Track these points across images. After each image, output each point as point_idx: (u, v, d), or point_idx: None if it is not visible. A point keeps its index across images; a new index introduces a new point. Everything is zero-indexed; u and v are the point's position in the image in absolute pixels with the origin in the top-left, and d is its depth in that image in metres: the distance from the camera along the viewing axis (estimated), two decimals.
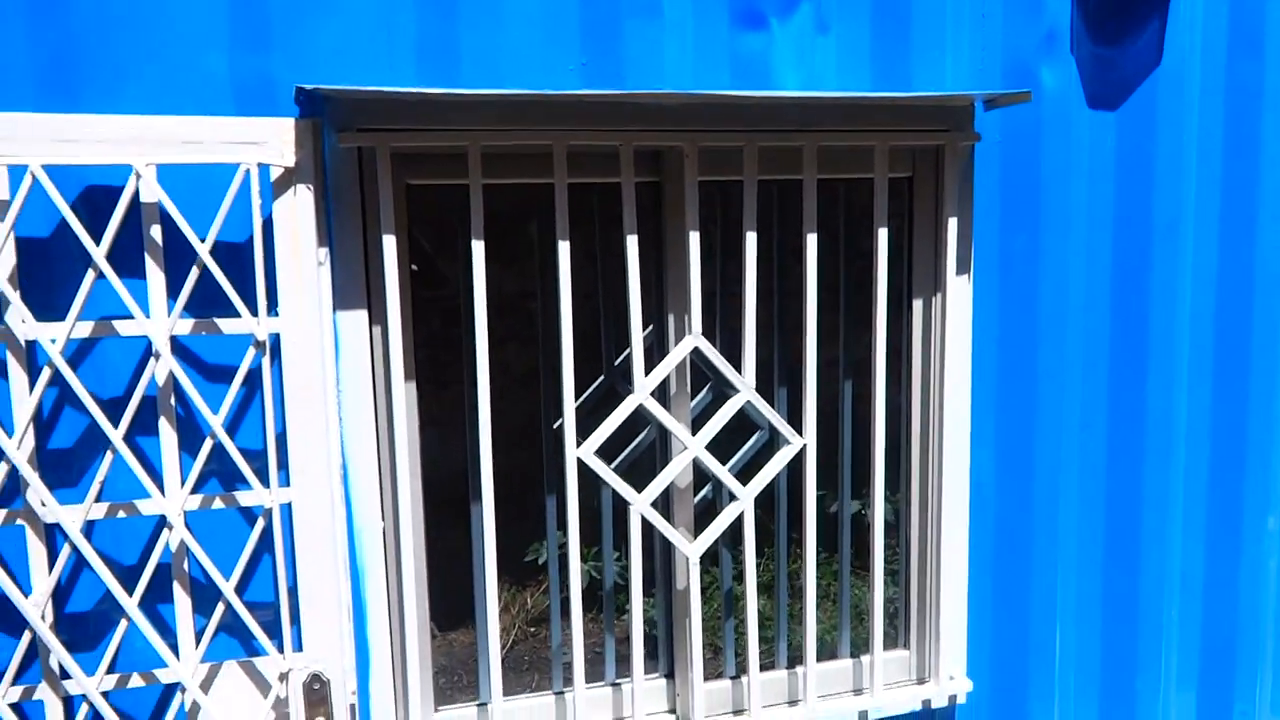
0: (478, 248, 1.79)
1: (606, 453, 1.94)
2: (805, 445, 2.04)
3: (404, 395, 1.80)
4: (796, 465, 2.07)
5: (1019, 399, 2.25)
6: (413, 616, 1.87)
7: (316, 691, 1.77)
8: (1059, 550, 2.33)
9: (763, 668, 2.14)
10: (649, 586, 2.14)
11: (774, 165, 1.99)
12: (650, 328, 2.06)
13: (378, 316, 1.81)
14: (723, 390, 2.14)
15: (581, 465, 1.90)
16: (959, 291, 2.14)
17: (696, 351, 1.98)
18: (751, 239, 1.96)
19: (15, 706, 1.68)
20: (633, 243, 1.88)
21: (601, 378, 2.13)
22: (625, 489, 1.94)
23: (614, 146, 1.86)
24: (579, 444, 1.89)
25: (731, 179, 1.97)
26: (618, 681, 2.14)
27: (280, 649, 1.74)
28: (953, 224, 2.09)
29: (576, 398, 1.89)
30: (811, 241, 1.99)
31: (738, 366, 1.99)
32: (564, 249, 1.83)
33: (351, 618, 1.79)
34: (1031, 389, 2.25)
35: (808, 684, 2.11)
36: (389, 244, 1.74)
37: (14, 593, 1.61)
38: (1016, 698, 2.35)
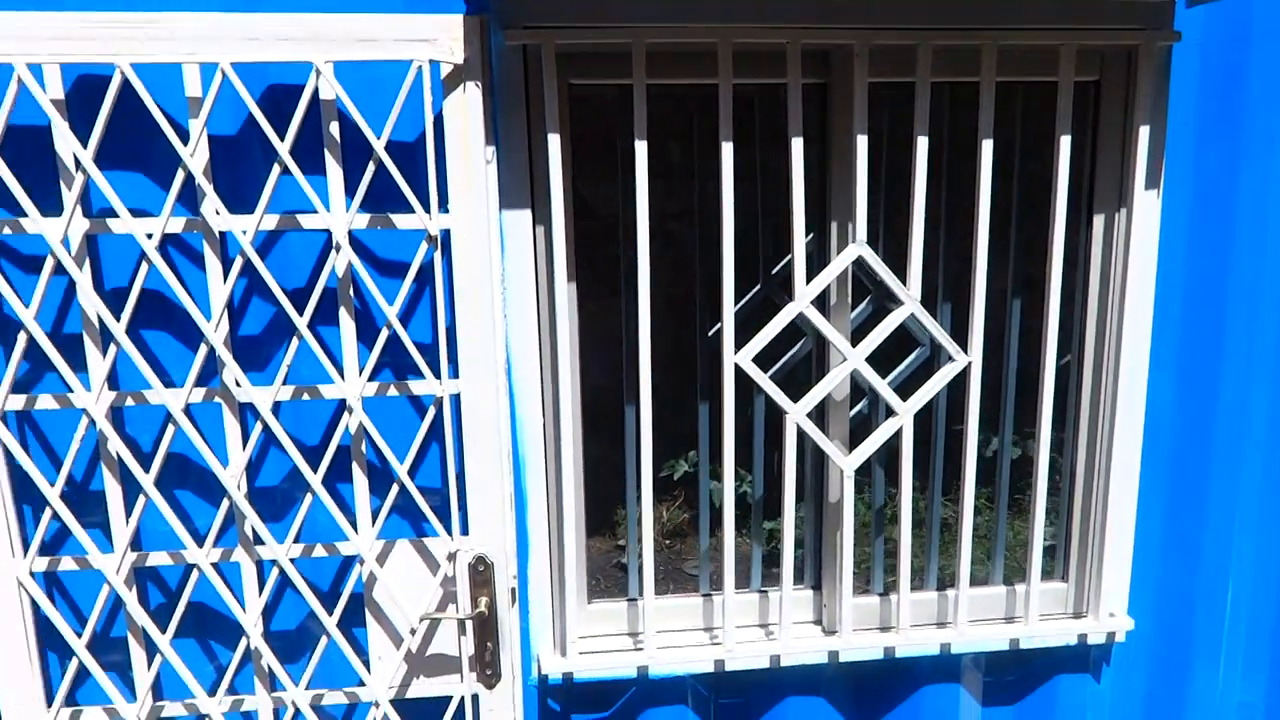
0: (641, 148, 1.79)
1: (760, 366, 1.93)
2: (970, 363, 1.97)
3: (566, 295, 1.84)
4: (957, 386, 2.01)
5: (1205, 327, 2.08)
6: (571, 508, 1.93)
7: (480, 573, 1.86)
8: (1240, 494, 2.17)
9: (911, 588, 2.12)
10: (797, 500, 2.13)
11: (948, 67, 1.90)
12: (811, 235, 2.02)
13: (541, 217, 1.84)
14: (884, 303, 2.08)
15: (736, 375, 1.90)
16: (1146, 208, 2.00)
17: (859, 262, 1.93)
18: (923, 144, 1.88)
19: (215, 566, 1.84)
20: (798, 145, 1.83)
21: (757, 288, 2.11)
22: (782, 398, 1.93)
23: (780, 45, 1.81)
24: (736, 351, 1.89)
25: (902, 80, 1.88)
26: (764, 589, 2.17)
27: (449, 531, 1.84)
28: (1143, 133, 1.94)
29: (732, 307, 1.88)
30: (987, 149, 1.89)
31: (902, 278, 1.93)
32: (727, 151, 1.80)
33: (513, 507, 1.86)
34: (1219, 316, 2.08)
35: (959, 606, 2.08)
36: (553, 143, 1.76)
37: (215, 465, 1.76)
38: (1179, 645, 2.24)
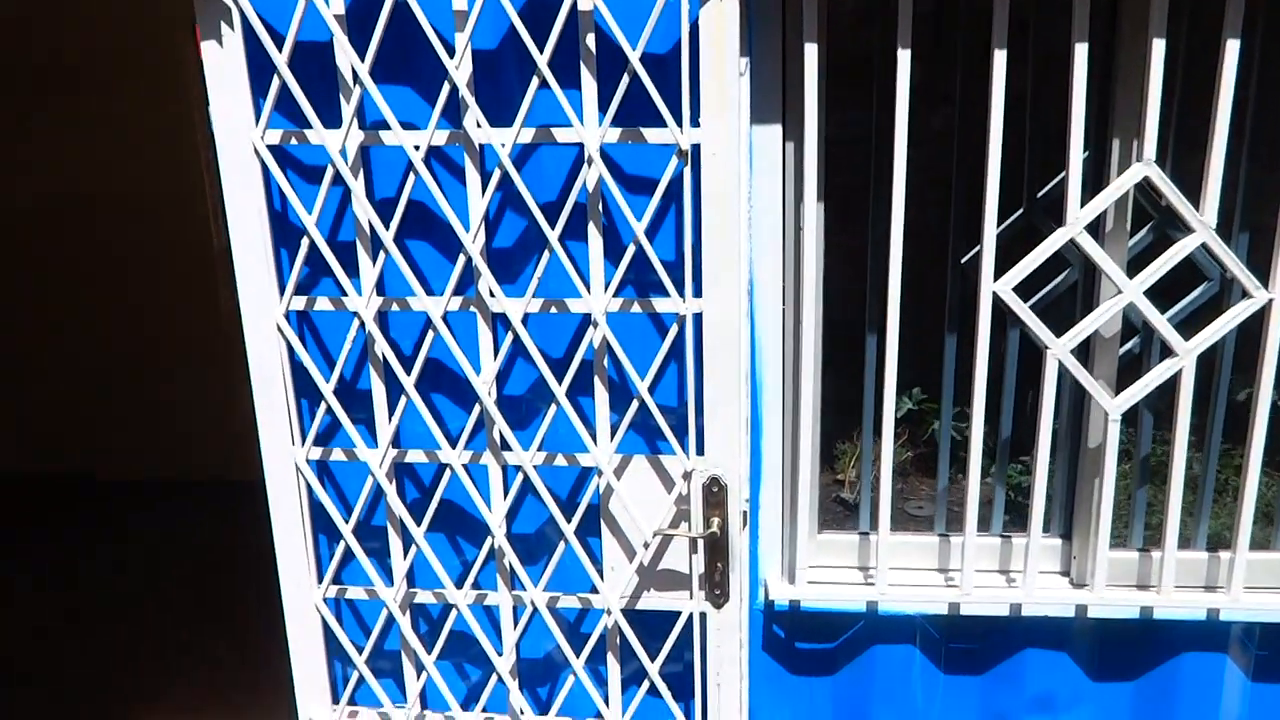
0: (904, 58, 1.67)
1: (1019, 297, 1.79)
2: (1270, 301, 1.75)
3: (814, 215, 1.77)
4: (1249, 327, 1.78)
5: None
6: (806, 436, 1.89)
7: (715, 494, 1.86)
8: None
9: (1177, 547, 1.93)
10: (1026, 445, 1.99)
11: None
12: (1086, 153, 1.83)
13: (792, 133, 1.78)
14: (1166, 232, 1.87)
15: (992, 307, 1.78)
16: None
17: (1142, 184, 1.74)
18: (1233, 48, 1.65)
19: (465, 467, 1.94)
20: (1081, 51, 1.65)
21: (1019, 212, 1.95)
22: (1044, 331, 1.79)
23: None
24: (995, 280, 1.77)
25: None
26: (1006, 534, 2.05)
27: (685, 451, 1.85)
28: None
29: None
30: None
31: (1195, 203, 1.73)
32: (1000, 59, 1.66)
33: (749, 430, 1.84)
34: None
35: (1234, 571, 1.88)
36: (810, 55, 1.68)
37: (469, 371, 1.84)
38: None
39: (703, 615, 1.97)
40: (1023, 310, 1.77)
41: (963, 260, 1.95)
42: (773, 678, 2.07)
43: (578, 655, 2.00)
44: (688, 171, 1.69)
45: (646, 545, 1.92)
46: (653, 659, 1.97)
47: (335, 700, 2.16)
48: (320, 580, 2.05)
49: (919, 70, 1.90)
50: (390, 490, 1.94)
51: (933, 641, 2.01)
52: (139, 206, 5.04)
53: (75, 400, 5.44)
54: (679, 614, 1.97)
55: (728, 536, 1.89)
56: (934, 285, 1.99)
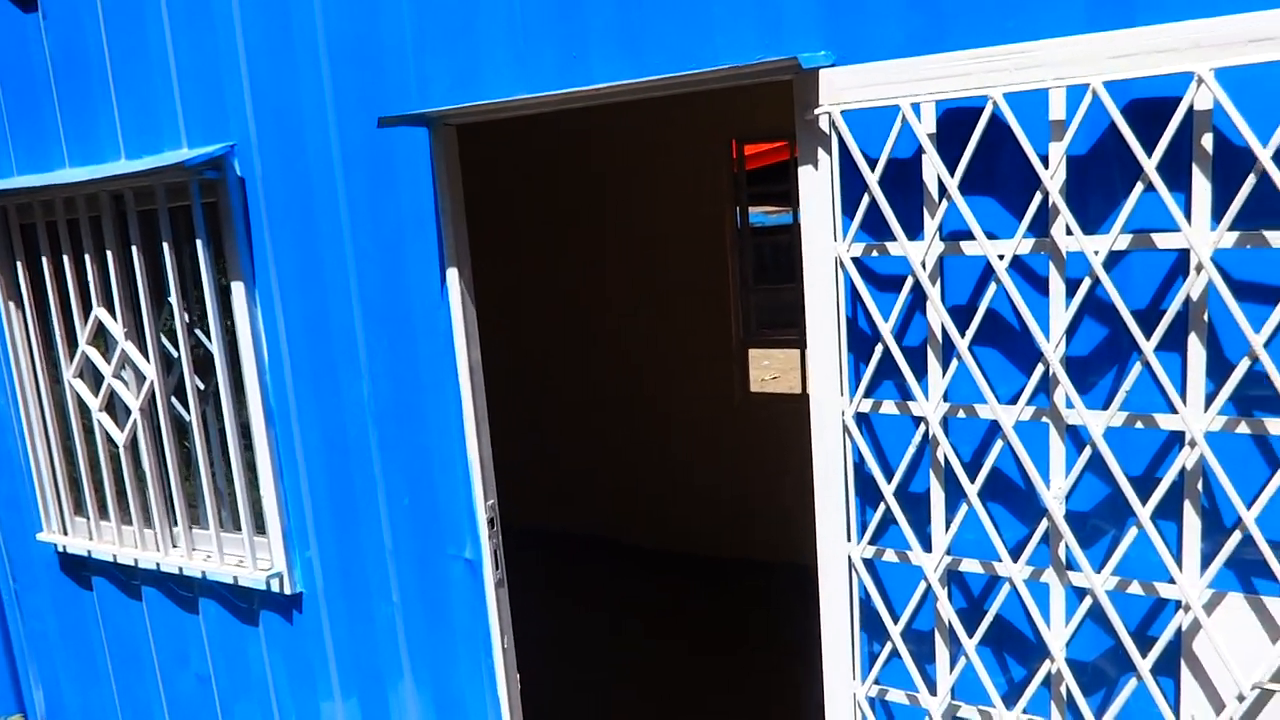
0: None
1: None
2: None
3: None
4: None
5: None
6: None
7: None
8: None
9: None
10: None
11: None
12: None
13: None
14: None
15: None
16: None
17: None
18: None
19: (1024, 582, 1.86)
20: None
21: None
22: None
23: None
24: None
25: None
26: None
27: None
28: None
29: None
30: None
31: None
32: None
33: None
34: None
35: None
36: None
37: (1038, 483, 1.77)
38: None
39: None
40: None
41: None
42: None
43: None
44: None
45: (1241, 699, 1.67)
46: None
47: None
48: (864, 678, 2.08)
49: None
50: (942, 595, 1.92)
51: None
52: (672, 299, 5.63)
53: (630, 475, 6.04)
54: None
55: None
56: None
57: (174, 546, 3.18)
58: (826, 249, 1.88)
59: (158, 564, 3.19)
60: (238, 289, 2.75)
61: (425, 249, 2.44)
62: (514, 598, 2.73)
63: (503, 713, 2.71)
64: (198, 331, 2.95)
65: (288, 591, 2.94)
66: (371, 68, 2.41)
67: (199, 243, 2.73)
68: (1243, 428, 1.62)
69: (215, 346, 2.81)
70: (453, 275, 2.38)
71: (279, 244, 2.69)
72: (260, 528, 2.95)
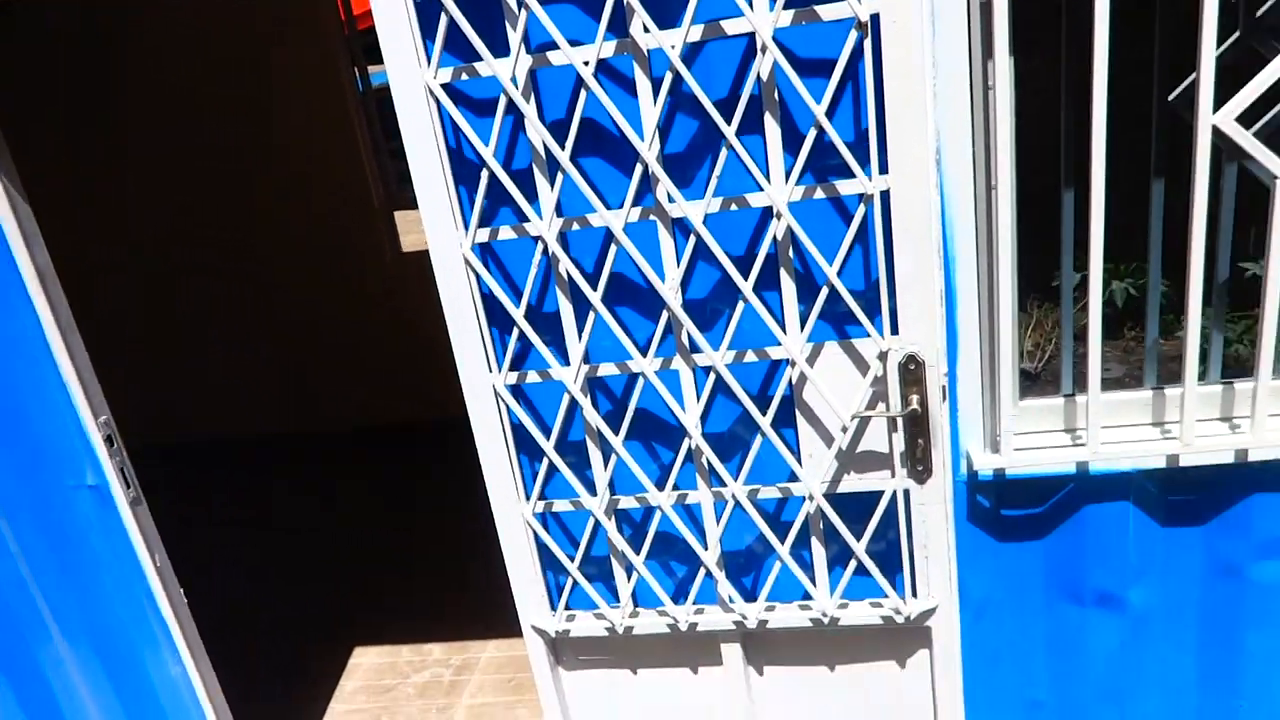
0: None
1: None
2: None
3: (1006, 71, 1.68)
4: None
5: None
6: (1005, 302, 1.84)
7: (912, 372, 1.85)
8: None
9: None
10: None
11: None
12: None
13: None
14: None
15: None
16: None
17: None
18: None
19: (656, 374, 1.97)
20: None
21: (1234, 36, 1.81)
22: (1273, 160, 1.67)
23: None
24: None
25: None
26: (1229, 380, 1.97)
27: (879, 331, 1.83)
28: None
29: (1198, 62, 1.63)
30: None
31: None
32: None
33: (944, 303, 1.81)
34: None
35: None
36: None
37: (654, 279, 1.85)
38: None
39: (905, 492, 1.98)
40: (1248, 140, 1.66)
41: (1170, 98, 1.83)
42: (979, 547, 2.08)
43: (782, 542, 2.04)
44: (867, 44, 1.62)
45: (845, 429, 1.93)
46: (857, 540, 2.00)
47: (553, 607, 2.28)
48: (528, 497, 2.13)
49: None
50: (586, 403, 1.99)
51: (1148, 496, 1.98)
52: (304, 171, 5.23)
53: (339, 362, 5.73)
54: (879, 495, 1.99)
55: (928, 412, 1.88)
56: (1134, 128, 1.88)
57: None
58: (415, 78, 1.75)
59: None
60: None
61: None
62: (175, 516, 2.48)
63: (173, 633, 2.50)
64: None
65: None
66: None
67: None
68: (819, 193, 1.78)
69: None
70: None
71: None
72: None
